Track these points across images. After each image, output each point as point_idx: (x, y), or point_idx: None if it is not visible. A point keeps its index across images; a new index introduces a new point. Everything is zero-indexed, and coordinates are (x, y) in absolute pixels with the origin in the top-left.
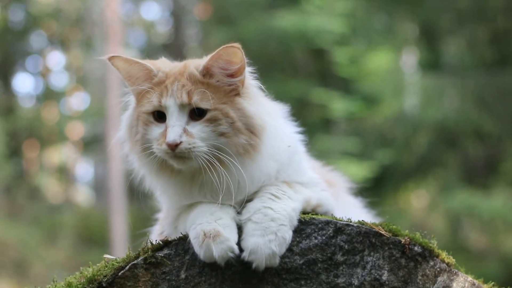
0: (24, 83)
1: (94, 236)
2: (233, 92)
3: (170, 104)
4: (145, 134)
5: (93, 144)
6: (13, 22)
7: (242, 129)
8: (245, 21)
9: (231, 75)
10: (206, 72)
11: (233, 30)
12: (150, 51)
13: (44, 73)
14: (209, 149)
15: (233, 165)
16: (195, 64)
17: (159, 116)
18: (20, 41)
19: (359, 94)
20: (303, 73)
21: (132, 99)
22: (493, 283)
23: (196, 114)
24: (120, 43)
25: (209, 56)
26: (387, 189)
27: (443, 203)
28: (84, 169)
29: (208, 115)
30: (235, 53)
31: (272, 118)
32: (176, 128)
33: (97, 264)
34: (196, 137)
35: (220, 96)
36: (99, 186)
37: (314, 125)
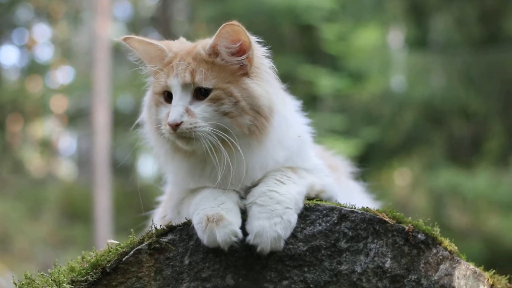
0: (9, 56)
1: (77, 211)
2: (240, 71)
3: (174, 84)
4: (157, 114)
5: (77, 118)
6: None
7: (246, 109)
8: None
9: (235, 54)
10: (212, 51)
11: (221, 5)
12: (137, 24)
13: (29, 46)
14: (212, 130)
15: (237, 147)
16: (203, 43)
17: (169, 96)
18: (6, 13)
19: (346, 71)
20: (290, 49)
21: (152, 80)
22: (494, 271)
23: (201, 93)
24: (107, 16)
25: (214, 35)
26: (371, 166)
27: (427, 181)
28: (67, 143)
29: (211, 95)
30: (235, 31)
31: (284, 107)
32: (177, 108)
33: (101, 249)
34: (198, 116)
35: (225, 75)
36: (83, 160)
37: (300, 102)
